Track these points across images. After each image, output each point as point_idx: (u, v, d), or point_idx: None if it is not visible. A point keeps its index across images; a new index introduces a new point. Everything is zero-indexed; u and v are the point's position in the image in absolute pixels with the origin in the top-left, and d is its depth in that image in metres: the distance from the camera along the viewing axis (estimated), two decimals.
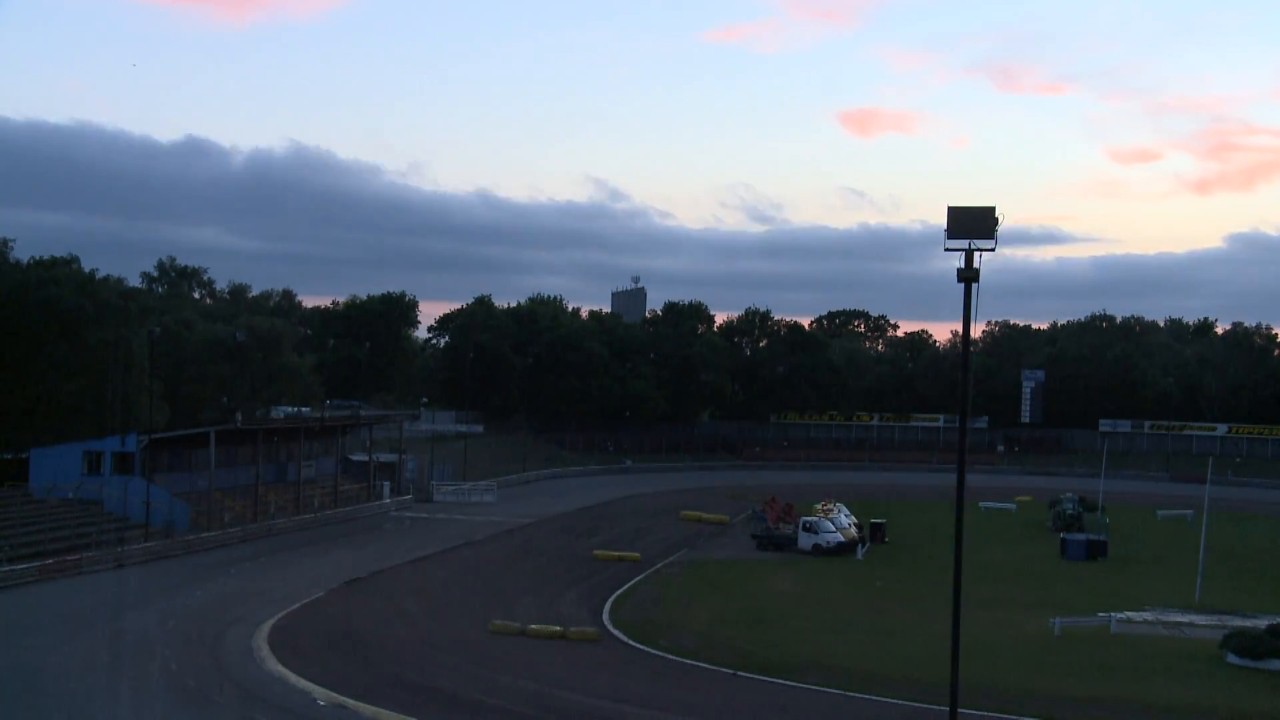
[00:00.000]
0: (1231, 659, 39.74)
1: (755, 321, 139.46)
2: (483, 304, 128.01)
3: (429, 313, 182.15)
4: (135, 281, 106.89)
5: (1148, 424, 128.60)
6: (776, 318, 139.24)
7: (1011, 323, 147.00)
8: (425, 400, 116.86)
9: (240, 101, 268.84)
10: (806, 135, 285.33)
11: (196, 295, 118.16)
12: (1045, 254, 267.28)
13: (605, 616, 47.30)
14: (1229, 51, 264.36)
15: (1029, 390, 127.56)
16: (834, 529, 67.15)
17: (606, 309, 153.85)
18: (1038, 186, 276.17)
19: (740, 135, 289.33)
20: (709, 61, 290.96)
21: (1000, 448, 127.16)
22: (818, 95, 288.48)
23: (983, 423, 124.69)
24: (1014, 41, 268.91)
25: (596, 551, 63.09)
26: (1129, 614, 47.78)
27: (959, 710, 26.75)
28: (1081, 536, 67.65)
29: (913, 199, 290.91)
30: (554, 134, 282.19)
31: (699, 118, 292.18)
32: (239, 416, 77.92)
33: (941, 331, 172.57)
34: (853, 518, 72.65)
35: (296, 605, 46.90)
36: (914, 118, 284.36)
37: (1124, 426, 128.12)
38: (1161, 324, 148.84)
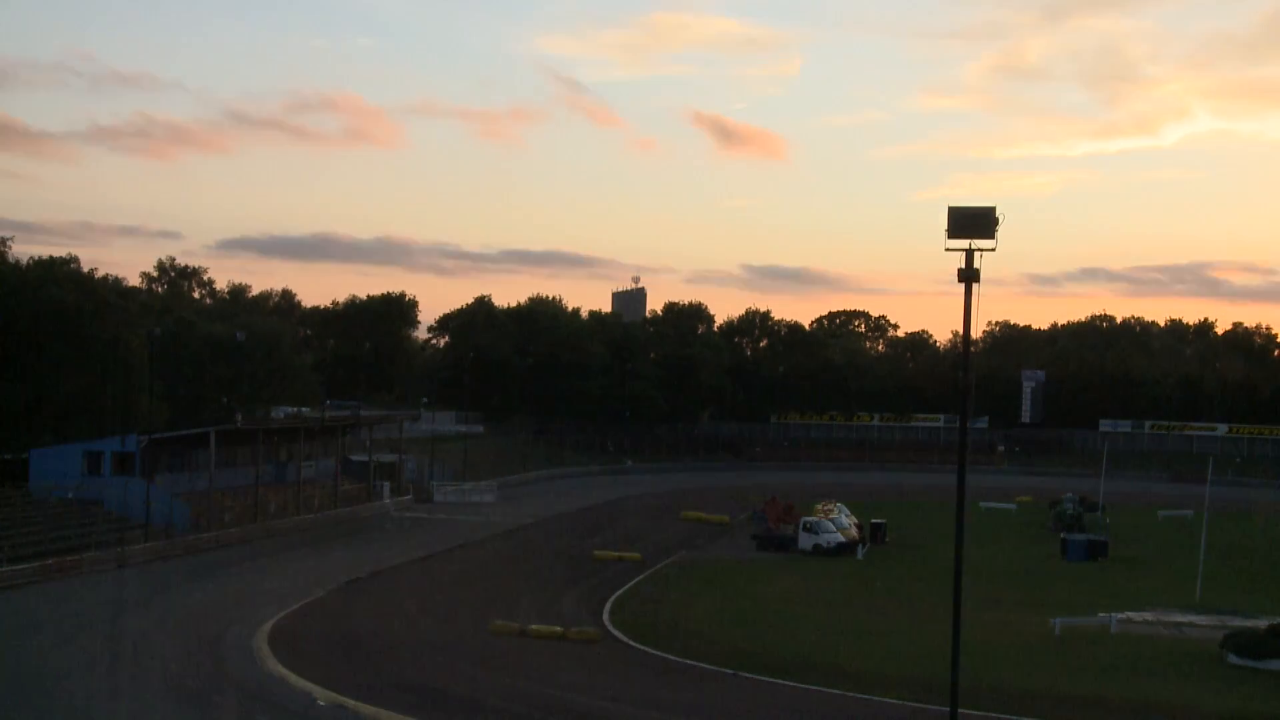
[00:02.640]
0: (1232, 659, 39.70)
1: (755, 321, 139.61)
2: (483, 304, 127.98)
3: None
4: (135, 281, 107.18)
5: (1148, 424, 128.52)
6: (776, 318, 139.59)
7: (1011, 323, 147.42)
8: (425, 400, 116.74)
9: None
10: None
11: (196, 295, 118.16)
12: None
13: (605, 617, 47.27)
14: None
15: (1029, 390, 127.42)
16: (834, 529, 67.09)
17: (606, 309, 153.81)
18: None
19: None
20: None
21: (1000, 448, 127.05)
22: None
23: (983, 423, 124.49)
24: None
25: (597, 551, 63.04)
26: (1129, 614, 47.71)
27: (959, 710, 26.75)
28: (1082, 536, 67.59)
29: None
30: None
31: None
32: (239, 416, 77.83)
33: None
34: (853, 518, 72.54)
35: (296, 605, 46.88)
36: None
37: (1124, 426, 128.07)
38: (1162, 324, 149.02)
